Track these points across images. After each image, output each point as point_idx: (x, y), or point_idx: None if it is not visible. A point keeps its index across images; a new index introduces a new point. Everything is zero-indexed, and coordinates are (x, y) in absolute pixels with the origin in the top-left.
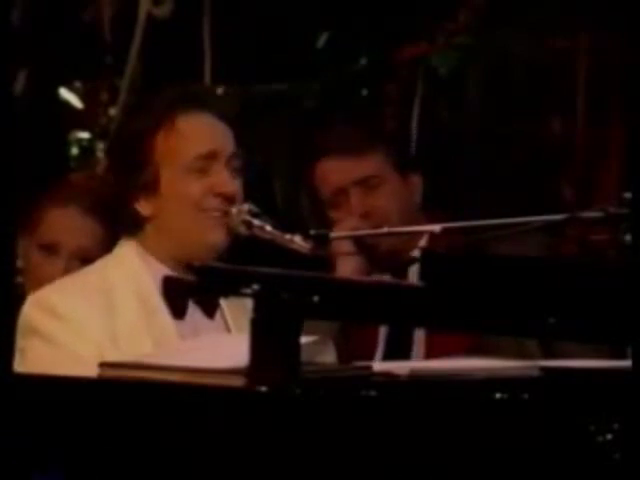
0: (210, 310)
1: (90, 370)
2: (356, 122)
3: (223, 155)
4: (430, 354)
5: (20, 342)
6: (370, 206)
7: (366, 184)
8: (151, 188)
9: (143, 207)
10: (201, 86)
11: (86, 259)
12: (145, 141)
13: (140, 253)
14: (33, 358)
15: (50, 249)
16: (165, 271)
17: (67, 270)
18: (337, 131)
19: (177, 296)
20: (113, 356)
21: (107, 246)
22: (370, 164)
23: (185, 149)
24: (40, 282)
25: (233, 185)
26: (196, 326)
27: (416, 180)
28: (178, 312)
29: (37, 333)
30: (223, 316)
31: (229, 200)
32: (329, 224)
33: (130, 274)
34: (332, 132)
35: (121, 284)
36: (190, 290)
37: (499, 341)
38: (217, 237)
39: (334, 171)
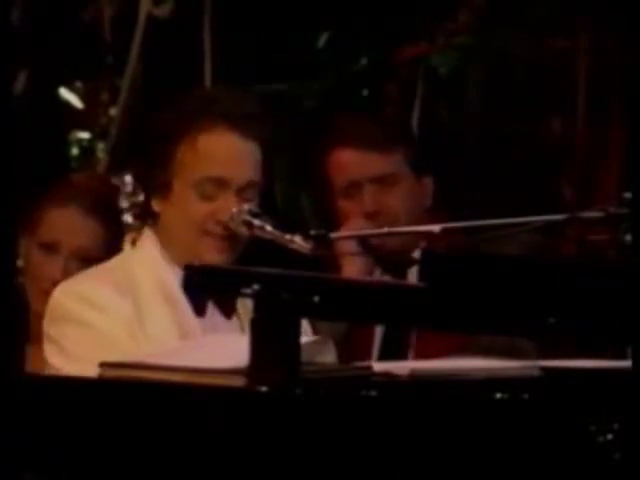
0: (228, 310)
1: (126, 353)
2: (380, 118)
3: (234, 183)
4: (420, 353)
5: (51, 330)
6: (382, 205)
7: (382, 182)
8: (164, 190)
9: (156, 204)
10: (242, 96)
11: (86, 259)
12: (167, 146)
13: (159, 247)
14: (71, 344)
15: (50, 248)
16: (178, 268)
17: (67, 269)
18: (358, 122)
19: (198, 293)
20: (145, 344)
21: (107, 246)
22: (389, 162)
23: (197, 168)
24: (40, 281)
25: None
26: (215, 325)
27: (428, 182)
28: (200, 309)
29: (71, 320)
30: (239, 317)
31: (229, 229)
32: (334, 213)
33: (153, 270)
34: (352, 122)
35: (145, 278)
36: (209, 288)
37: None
38: (212, 259)
39: (352, 163)
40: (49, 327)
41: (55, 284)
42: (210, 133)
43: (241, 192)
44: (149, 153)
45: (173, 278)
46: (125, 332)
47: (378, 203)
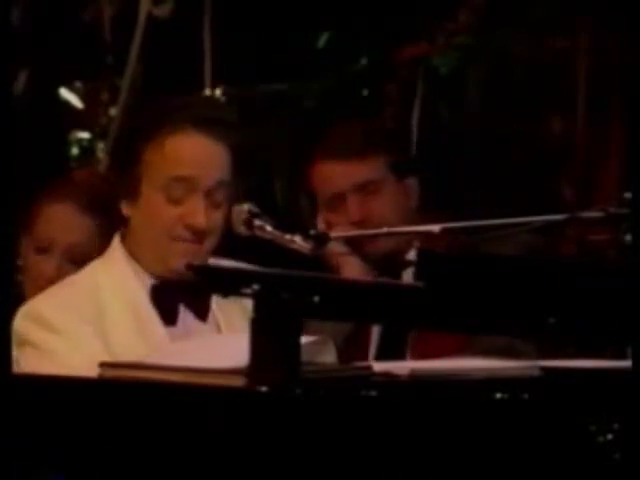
0: (202, 313)
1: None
2: (358, 124)
3: (203, 184)
4: (418, 353)
5: (15, 352)
6: (367, 213)
7: (365, 189)
8: (132, 193)
9: (125, 208)
10: (212, 101)
11: (80, 257)
12: (134, 147)
13: (126, 257)
14: (26, 367)
15: (45, 246)
16: (148, 277)
17: (60, 268)
18: (339, 133)
19: (167, 302)
20: None
21: (102, 244)
22: (370, 168)
23: (164, 169)
24: (35, 280)
25: (204, 218)
26: (188, 330)
27: (412, 184)
28: (169, 318)
29: (29, 344)
30: (215, 318)
31: (198, 234)
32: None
33: (119, 281)
34: (333, 134)
35: (111, 292)
36: (179, 293)
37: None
38: (180, 265)
39: (334, 175)
40: (14, 349)
41: (51, 282)
42: (177, 135)
43: (210, 194)
44: (120, 155)
45: (140, 289)
46: (84, 359)
47: (363, 211)
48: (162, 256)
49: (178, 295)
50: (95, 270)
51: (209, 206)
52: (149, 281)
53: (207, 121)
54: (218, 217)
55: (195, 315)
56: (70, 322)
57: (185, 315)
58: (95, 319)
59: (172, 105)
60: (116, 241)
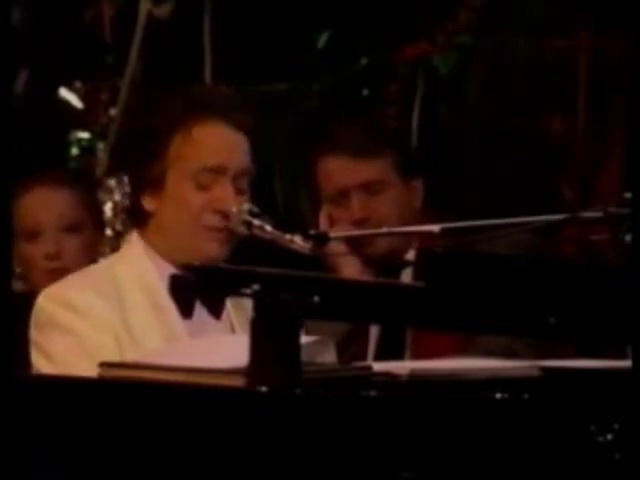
0: (217, 311)
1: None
2: (367, 123)
3: (231, 171)
4: (416, 354)
5: (37, 337)
6: (369, 211)
7: (369, 189)
8: (157, 185)
9: (147, 202)
10: (227, 91)
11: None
12: (160, 139)
13: (146, 250)
14: (58, 351)
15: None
16: (170, 269)
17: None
18: (347, 130)
19: (185, 295)
20: (131, 348)
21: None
22: (376, 169)
23: (195, 158)
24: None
25: (233, 203)
26: (203, 326)
27: (418, 185)
28: (186, 311)
29: (55, 326)
30: (229, 317)
31: (227, 218)
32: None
33: (137, 272)
34: (342, 130)
35: (129, 282)
36: (197, 289)
37: (489, 342)
38: (211, 250)
39: (340, 171)
40: (35, 333)
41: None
42: (204, 125)
43: (236, 180)
44: (140, 149)
45: (159, 280)
46: (110, 340)
47: (366, 210)
48: (191, 244)
49: (195, 290)
50: (112, 263)
51: (235, 192)
52: (169, 274)
53: (228, 109)
54: (243, 201)
55: (210, 312)
56: (94, 304)
57: (200, 311)
58: (116, 305)
59: (190, 96)
60: (134, 236)
